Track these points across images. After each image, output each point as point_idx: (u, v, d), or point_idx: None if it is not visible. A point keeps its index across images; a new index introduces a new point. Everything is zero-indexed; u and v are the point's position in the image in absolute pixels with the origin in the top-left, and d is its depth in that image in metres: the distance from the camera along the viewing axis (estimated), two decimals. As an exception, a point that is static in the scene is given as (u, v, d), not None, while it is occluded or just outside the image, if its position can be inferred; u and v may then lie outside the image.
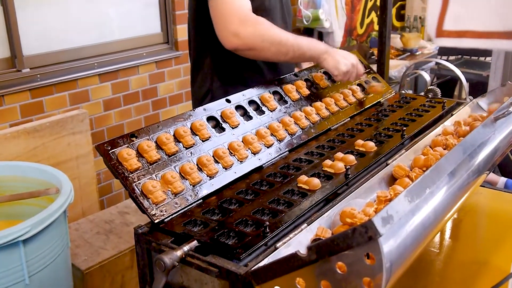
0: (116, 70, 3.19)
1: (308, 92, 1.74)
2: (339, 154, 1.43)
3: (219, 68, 1.80)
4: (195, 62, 1.87)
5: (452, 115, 1.76)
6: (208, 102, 1.57)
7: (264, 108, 1.58)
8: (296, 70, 1.89)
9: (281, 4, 1.85)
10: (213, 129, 1.42)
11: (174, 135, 1.33)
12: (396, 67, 4.23)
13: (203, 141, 1.36)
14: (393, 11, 5.60)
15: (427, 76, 2.11)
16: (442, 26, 1.47)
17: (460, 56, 4.88)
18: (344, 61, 1.69)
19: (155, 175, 1.22)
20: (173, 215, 1.16)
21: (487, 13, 1.41)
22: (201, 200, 1.23)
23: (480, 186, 1.65)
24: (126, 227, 2.48)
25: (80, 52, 3.04)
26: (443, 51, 4.93)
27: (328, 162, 1.39)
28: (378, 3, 3.10)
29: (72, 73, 2.95)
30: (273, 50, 1.57)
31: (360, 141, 1.53)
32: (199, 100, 1.85)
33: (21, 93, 2.72)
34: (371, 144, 1.50)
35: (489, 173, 1.42)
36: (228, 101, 1.52)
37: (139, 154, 1.24)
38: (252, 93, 1.59)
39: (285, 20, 1.89)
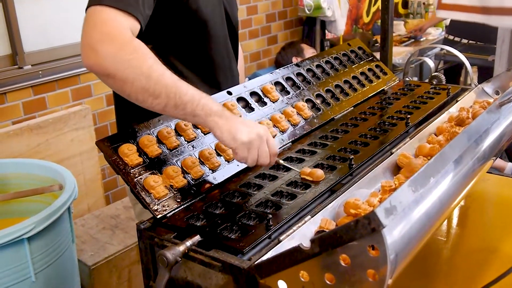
0: (118, 65, 3.17)
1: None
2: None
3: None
4: None
5: (457, 101, 1.73)
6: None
7: (266, 99, 1.56)
8: (295, 60, 1.84)
9: (221, 11, 1.52)
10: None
11: (175, 129, 1.31)
12: (400, 54, 4.19)
13: (205, 134, 1.35)
14: (400, -2, 5.54)
15: (431, 63, 2.08)
16: None
17: (466, 41, 4.79)
18: (246, 129, 1.17)
19: (157, 170, 1.21)
20: (176, 210, 1.15)
21: None
22: (204, 194, 1.22)
23: (487, 172, 1.62)
24: (132, 222, 2.48)
25: (81, 47, 3.02)
26: (451, 32, 4.82)
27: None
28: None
29: (74, 69, 2.93)
30: (138, 86, 1.10)
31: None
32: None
33: (23, 90, 2.71)
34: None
35: (496, 159, 1.40)
36: (230, 93, 1.50)
37: (140, 149, 1.23)
38: (253, 84, 1.57)
39: (225, 30, 1.56)
